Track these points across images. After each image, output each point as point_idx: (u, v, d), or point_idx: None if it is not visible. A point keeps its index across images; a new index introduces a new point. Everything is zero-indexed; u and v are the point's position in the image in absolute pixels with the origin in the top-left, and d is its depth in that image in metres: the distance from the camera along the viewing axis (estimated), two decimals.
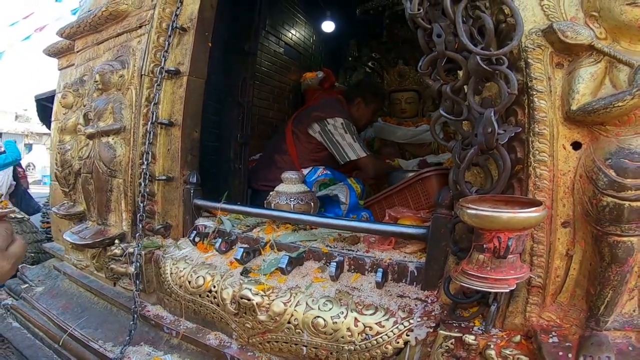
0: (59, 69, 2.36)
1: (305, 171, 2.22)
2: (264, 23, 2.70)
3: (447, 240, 0.98)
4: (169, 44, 1.60)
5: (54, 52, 2.30)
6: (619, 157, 0.72)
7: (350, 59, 3.72)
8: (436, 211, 1.01)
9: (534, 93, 0.81)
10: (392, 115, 3.06)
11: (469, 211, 0.68)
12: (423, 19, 0.84)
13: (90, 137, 1.53)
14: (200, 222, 1.63)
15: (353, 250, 1.29)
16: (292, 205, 1.48)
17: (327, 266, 1.27)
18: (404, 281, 1.14)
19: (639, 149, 0.72)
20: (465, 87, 0.85)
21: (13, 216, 2.34)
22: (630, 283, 0.75)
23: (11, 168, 3.84)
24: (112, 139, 1.51)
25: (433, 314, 0.99)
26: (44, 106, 3.25)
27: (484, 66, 0.74)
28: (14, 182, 3.86)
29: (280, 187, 1.55)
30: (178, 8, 1.66)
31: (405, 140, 2.85)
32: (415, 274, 1.11)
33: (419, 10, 0.83)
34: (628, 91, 0.72)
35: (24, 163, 7.28)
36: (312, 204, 1.55)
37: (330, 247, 1.33)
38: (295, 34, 3.30)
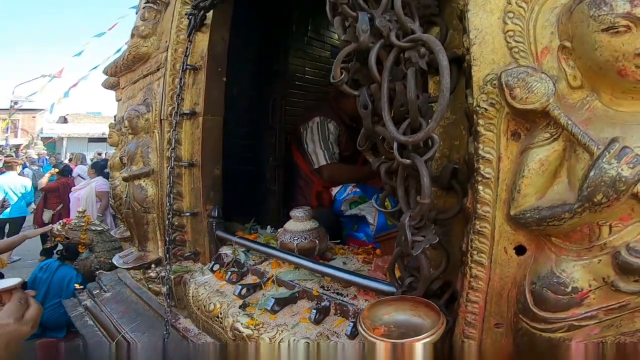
0: (117, 100, 2.85)
1: (335, 190, 2.33)
2: (305, 32, 2.84)
3: None
4: (180, 87, 1.84)
5: (109, 86, 2.81)
6: (543, 285, 0.66)
7: None
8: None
9: (480, 179, 0.75)
10: None
11: (366, 337, 0.73)
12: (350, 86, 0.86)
13: (126, 180, 1.93)
14: (223, 250, 1.93)
15: (342, 295, 1.41)
16: (295, 244, 1.64)
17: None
18: None
19: (568, 279, 0.64)
20: None
21: (93, 228, 3.07)
22: None
23: (101, 181, 4.70)
24: (144, 181, 1.88)
25: None
26: None
27: (399, 158, 0.74)
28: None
29: (287, 225, 1.72)
30: (188, 48, 1.86)
31: None
32: None
33: (341, 76, 0.84)
34: (569, 206, 0.62)
35: None
36: (317, 241, 1.67)
37: (324, 288, 1.48)
38: None
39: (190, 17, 1.85)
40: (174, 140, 1.80)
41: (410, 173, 0.79)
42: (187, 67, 1.86)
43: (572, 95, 0.67)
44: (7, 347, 0.88)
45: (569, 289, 0.63)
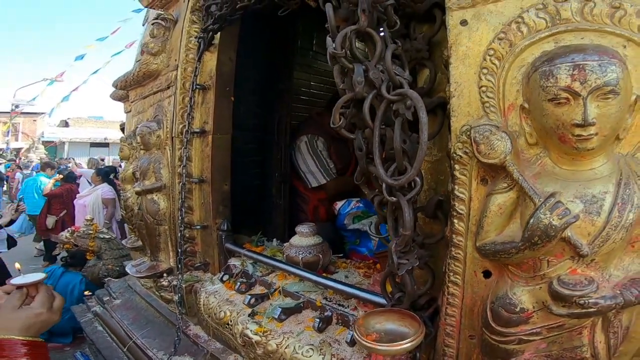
0: (125, 112, 3.07)
1: (339, 204, 2.53)
2: (310, 48, 3.03)
3: None
4: (191, 106, 2.04)
5: (117, 98, 3.02)
6: (499, 305, 0.86)
7: None
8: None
9: (454, 214, 0.95)
10: None
11: (361, 341, 0.93)
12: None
13: (139, 194, 2.14)
14: (232, 261, 2.16)
15: (343, 306, 1.62)
16: (300, 258, 1.85)
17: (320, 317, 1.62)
18: None
19: (517, 300, 0.84)
20: None
21: (102, 236, 3.30)
22: None
23: (106, 188, 4.99)
24: (156, 195, 2.10)
25: None
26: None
27: (387, 196, 0.94)
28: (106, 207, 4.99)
29: (293, 240, 1.94)
30: (197, 68, 2.06)
31: None
32: None
33: (340, 121, 1.03)
34: (515, 244, 0.80)
35: None
36: (320, 255, 1.89)
37: (327, 299, 1.69)
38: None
39: (199, 40, 2.05)
40: (185, 157, 2.01)
41: (398, 206, 0.98)
42: (197, 86, 2.06)
43: (529, 150, 0.85)
44: (39, 332, 1.09)
45: (518, 309, 0.84)
